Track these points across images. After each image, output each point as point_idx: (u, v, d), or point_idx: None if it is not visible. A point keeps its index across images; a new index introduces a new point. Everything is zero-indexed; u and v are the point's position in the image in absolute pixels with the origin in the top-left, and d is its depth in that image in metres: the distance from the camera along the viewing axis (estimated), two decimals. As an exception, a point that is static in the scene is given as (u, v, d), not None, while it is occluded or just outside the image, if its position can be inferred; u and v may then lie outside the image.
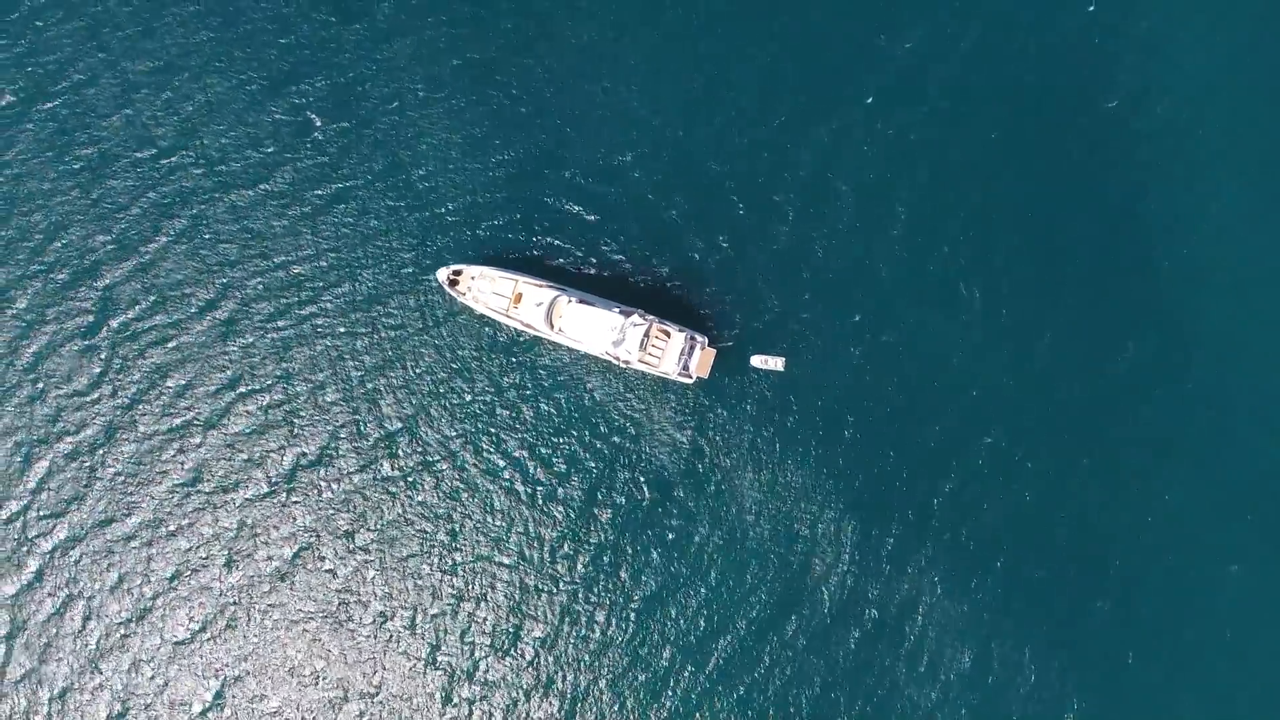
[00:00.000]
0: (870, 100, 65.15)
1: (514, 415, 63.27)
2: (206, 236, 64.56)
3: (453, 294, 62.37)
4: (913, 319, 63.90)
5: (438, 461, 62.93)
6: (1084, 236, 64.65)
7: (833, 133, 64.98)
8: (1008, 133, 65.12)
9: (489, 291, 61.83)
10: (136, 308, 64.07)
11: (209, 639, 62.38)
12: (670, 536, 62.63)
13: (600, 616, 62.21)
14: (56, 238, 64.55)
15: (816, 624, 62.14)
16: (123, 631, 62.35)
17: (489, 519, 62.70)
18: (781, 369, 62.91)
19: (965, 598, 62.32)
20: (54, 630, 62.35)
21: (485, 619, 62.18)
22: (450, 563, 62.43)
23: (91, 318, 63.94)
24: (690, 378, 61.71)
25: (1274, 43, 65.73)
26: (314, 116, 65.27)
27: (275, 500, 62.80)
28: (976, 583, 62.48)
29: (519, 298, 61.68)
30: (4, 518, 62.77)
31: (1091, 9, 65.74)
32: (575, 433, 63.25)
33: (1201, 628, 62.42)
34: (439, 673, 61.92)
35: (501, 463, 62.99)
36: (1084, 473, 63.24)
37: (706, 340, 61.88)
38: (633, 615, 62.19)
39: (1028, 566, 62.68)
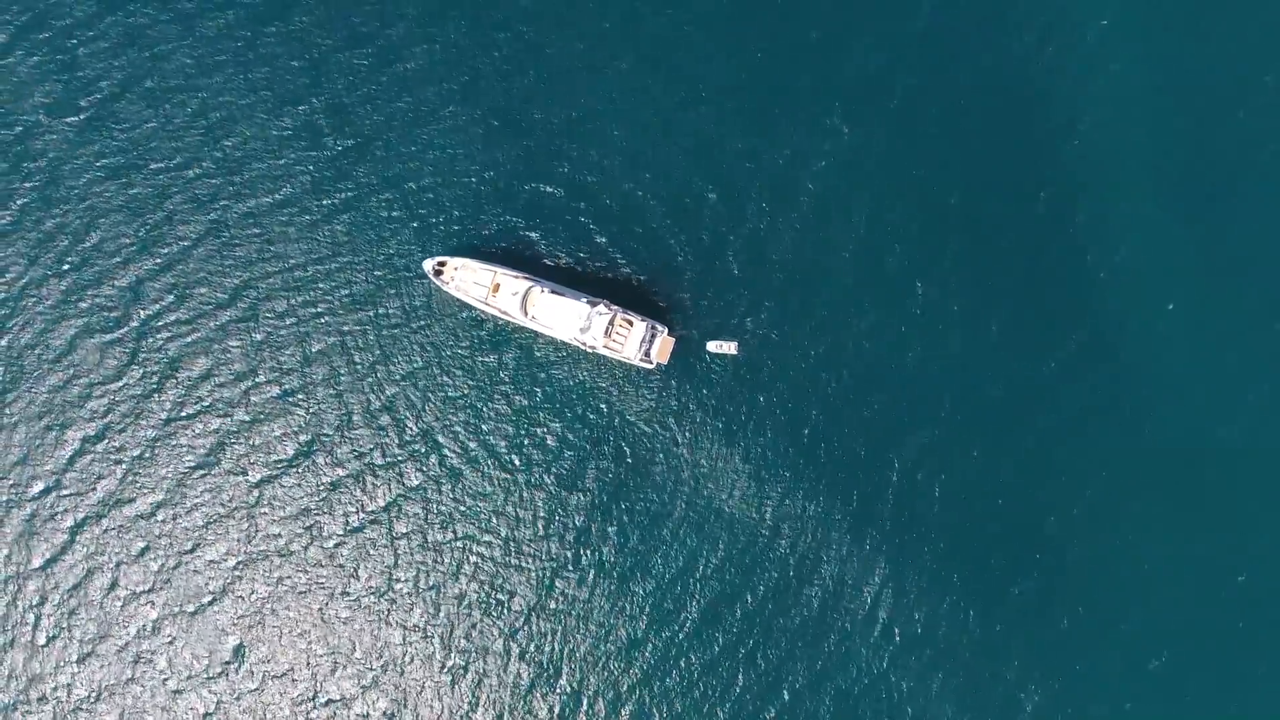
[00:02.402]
0: (833, 114, 71.83)
1: (489, 395, 69.96)
2: (225, 235, 71.32)
3: (437, 283, 69.18)
4: (859, 310, 70.57)
5: (416, 441, 69.65)
6: (1022, 239, 71.39)
7: (793, 143, 71.65)
8: (958, 147, 71.84)
9: (470, 281, 68.65)
10: (160, 302, 70.85)
11: (220, 606, 69.06)
12: (634, 506, 69.30)
13: (575, 580, 68.97)
14: (87, 236, 71.23)
15: (758, 585, 68.92)
16: (142, 598, 68.94)
17: (464, 490, 69.37)
18: (735, 353, 69.59)
19: (908, 562, 68.97)
20: (81, 595, 68.91)
21: (467, 587, 69.08)
22: (434, 533, 69.36)
23: (116, 308, 71.28)
24: (651, 363, 68.32)
25: (1187, 76, 72.46)
26: (324, 126, 71.96)
27: (287, 477, 69.72)
28: (916, 549, 69.05)
29: (497, 288, 68.44)
30: (34, 492, 69.43)
31: (1029, 39, 72.53)
32: (544, 412, 69.92)
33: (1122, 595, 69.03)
34: (419, 637, 68.66)
35: (475, 440, 69.68)
36: (1022, 451, 70.07)
37: (666, 329, 68.52)
38: (604, 575, 68.96)
39: (968, 538, 69.35)
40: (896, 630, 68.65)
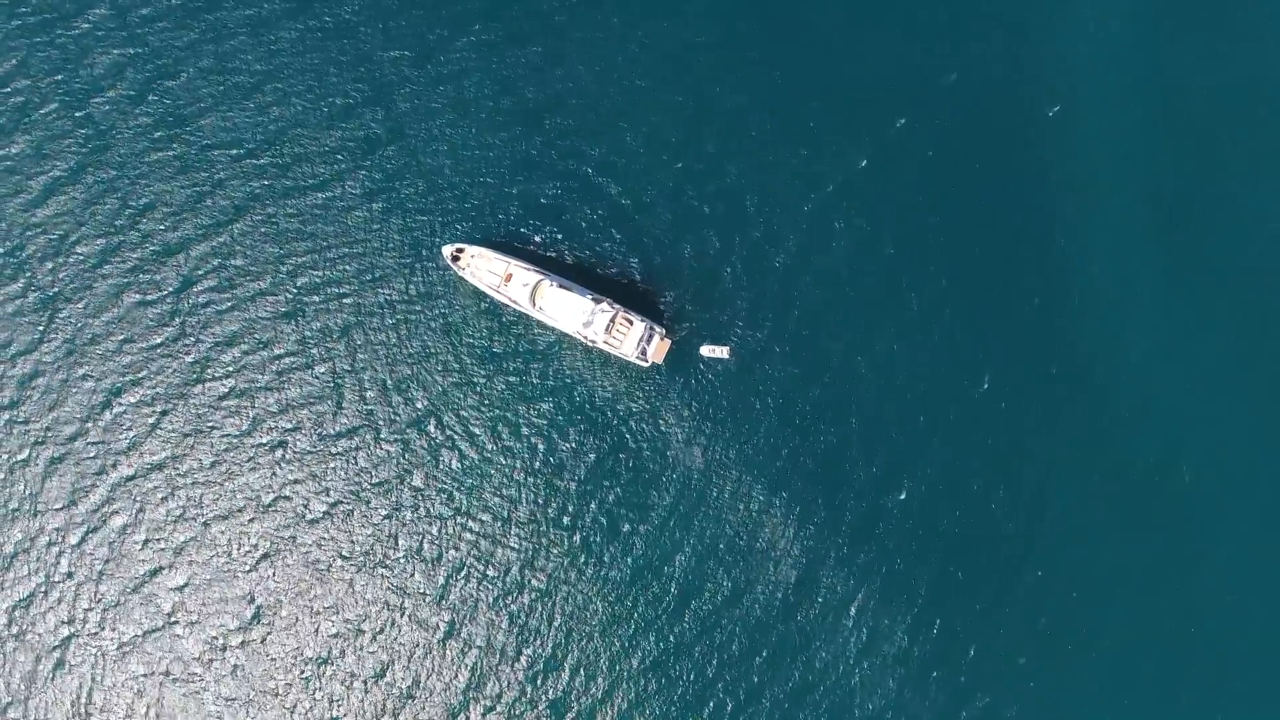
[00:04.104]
0: (850, 144, 76.72)
1: (495, 380, 74.55)
2: (264, 210, 76.19)
3: (454, 268, 73.86)
4: (849, 328, 75.22)
5: (426, 418, 74.33)
6: (1012, 274, 76.33)
7: (806, 166, 76.46)
8: (962, 192, 76.85)
9: (485, 270, 73.27)
10: (198, 269, 75.66)
11: (226, 556, 73.84)
12: (620, 490, 73.84)
13: (558, 553, 73.53)
14: (134, 200, 76.21)
15: (733, 575, 73.30)
16: (175, 554, 73.69)
17: (460, 463, 73.98)
18: (727, 357, 73.98)
19: (875, 560, 73.27)
20: (98, 537, 73.71)
21: (463, 560, 73.71)
22: (433, 508, 74.08)
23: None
24: (647, 362, 72.73)
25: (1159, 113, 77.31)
26: (365, 116, 76.80)
27: (300, 440, 74.52)
28: (888, 559, 73.27)
29: (509, 277, 73.02)
30: (64, 435, 74.15)
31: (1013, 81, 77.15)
32: (541, 398, 74.51)
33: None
34: (414, 602, 73.39)
35: (476, 416, 74.27)
36: (1001, 466, 74.84)
37: (664, 331, 72.97)
38: (585, 553, 73.55)
39: (939, 550, 73.98)
40: (864, 631, 73.04)
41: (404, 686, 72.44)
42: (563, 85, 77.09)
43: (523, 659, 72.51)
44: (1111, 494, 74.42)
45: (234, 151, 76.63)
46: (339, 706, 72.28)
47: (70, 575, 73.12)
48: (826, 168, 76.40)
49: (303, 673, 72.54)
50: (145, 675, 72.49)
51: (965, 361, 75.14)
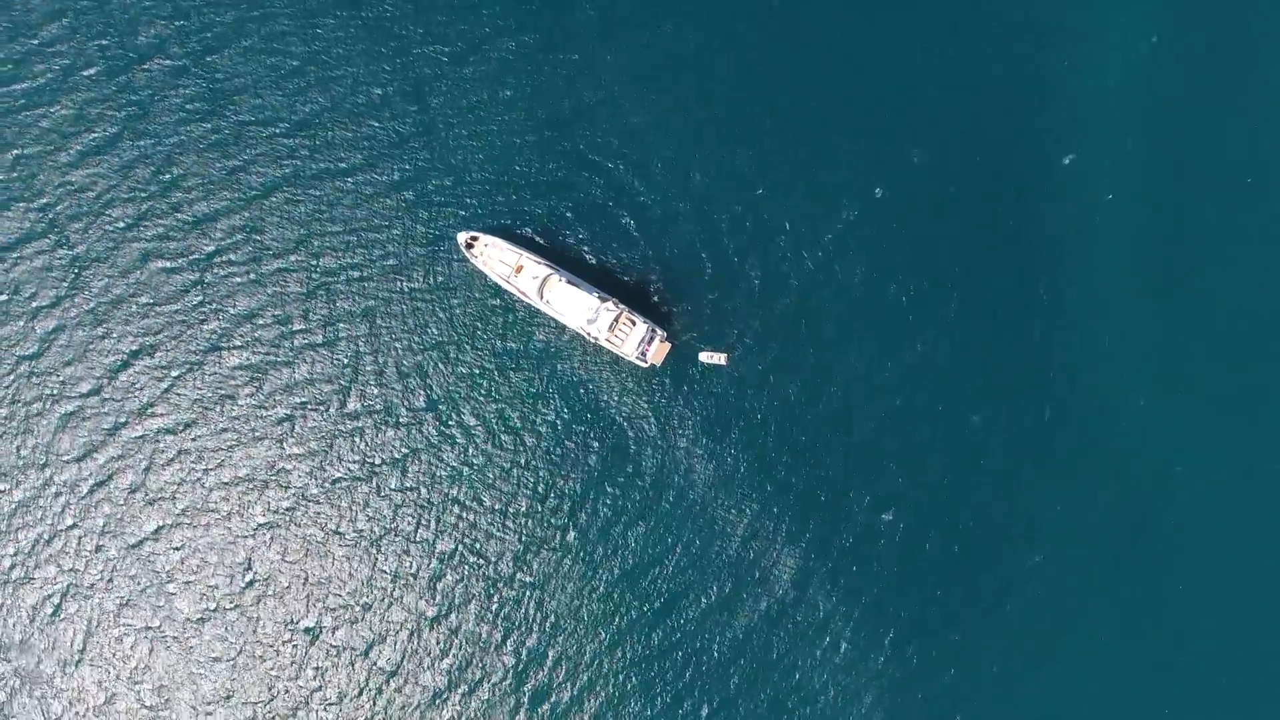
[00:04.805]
0: (873, 176, 78.62)
1: (497, 368, 76.50)
2: (292, 188, 78.54)
3: (468, 255, 75.89)
4: (848, 352, 76.87)
5: (427, 401, 76.32)
6: (1010, 302, 78.13)
7: (828, 194, 78.42)
8: (960, 207, 78.50)
9: (496, 259, 75.27)
10: (223, 240, 78.04)
11: (225, 521, 75.99)
12: (612, 482, 75.74)
13: (547, 540, 75.36)
14: (168, 169, 78.60)
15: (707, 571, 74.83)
16: (177, 515, 75.83)
17: (456, 447, 76.03)
18: (724, 365, 75.60)
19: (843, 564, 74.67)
20: (103, 492, 75.92)
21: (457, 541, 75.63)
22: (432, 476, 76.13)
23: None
24: (646, 362, 74.46)
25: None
26: (399, 106, 79.02)
27: (305, 415, 76.65)
28: (866, 576, 74.68)
29: (520, 269, 74.97)
30: (81, 390, 76.49)
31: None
32: (540, 387, 76.48)
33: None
34: (400, 580, 75.39)
35: (480, 411, 76.29)
36: (985, 497, 76.56)
37: (665, 334, 74.69)
38: (573, 541, 75.41)
39: (917, 572, 75.49)
40: (843, 646, 74.58)
41: (388, 665, 74.24)
42: (592, 95, 79.20)
43: (507, 647, 74.35)
44: (1093, 536, 75.82)
45: (269, 130, 78.96)
46: (323, 677, 74.14)
47: (74, 527, 75.37)
48: (844, 196, 78.37)
49: (291, 642, 74.45)
50: (139, 629, 74.60)
51: (960, 394, 76.59)
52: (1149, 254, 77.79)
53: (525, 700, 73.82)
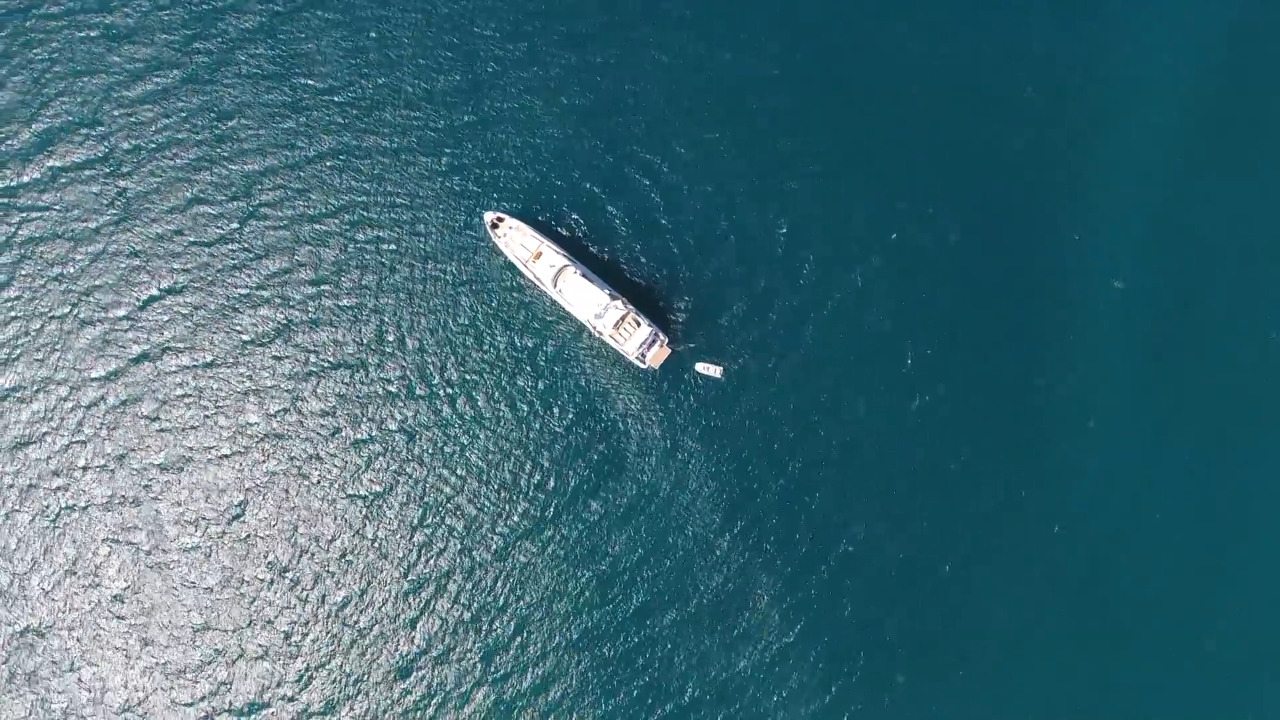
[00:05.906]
0: (872, 211, 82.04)
1: (503, 346, 79.85)
2: (343, 158, 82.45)
3: (492, 235, 79.34)
4: (841, 378, 79.96)
5: (432, 366, 79.70)
6: (1007, 353, 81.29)
7: (858, 229, 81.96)
8: (969, 258, 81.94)
9: (518, 243, 78.69)
10: (271, 195, 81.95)
11: (230, 463, 79.35)
12: (601, 476, 78.80)
13: (527, 523, 78.37)
14: (228, 120, 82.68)
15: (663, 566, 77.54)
16: (177, 435, 79.26)
17: (456, 420, 79.33)
18: (719, 377, 78.49)
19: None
20: (120, 415, 79.37)
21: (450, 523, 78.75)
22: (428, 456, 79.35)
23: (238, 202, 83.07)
24: (645, 364, 77.45)
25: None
26: (456, 96, 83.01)
27: (318, 373, 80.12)
28: (836, 611, 77.11)
29: (538, 255, 78.31)
30: (113, 316, 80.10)
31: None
32: (537, 373, 79.73)
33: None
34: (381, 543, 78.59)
35: (479, 384, 79.55)
36: (966, 532, 79.30)
37: (667, 339, 77.74)
38: (557, 530, 78.51)
39: (888, 610, 77.88)
40: (789, 659, 77.16)
41: (361, 624, 77.16)
42: (634, 98, 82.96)
43: (476, 626, 77.31)
44: (1059, 595, 78.39)
45: (328, 98, 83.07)
46: (293, 621, 77.19)
47: (77, 433, 78.83)
48: (861, 233, 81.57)
49: (270, 580, 77.48)
50: (126, 545, 77.80)
51: (945, 438, 79.36)
52: (1157, 325, 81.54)
53: (488, 681, 76.73)
